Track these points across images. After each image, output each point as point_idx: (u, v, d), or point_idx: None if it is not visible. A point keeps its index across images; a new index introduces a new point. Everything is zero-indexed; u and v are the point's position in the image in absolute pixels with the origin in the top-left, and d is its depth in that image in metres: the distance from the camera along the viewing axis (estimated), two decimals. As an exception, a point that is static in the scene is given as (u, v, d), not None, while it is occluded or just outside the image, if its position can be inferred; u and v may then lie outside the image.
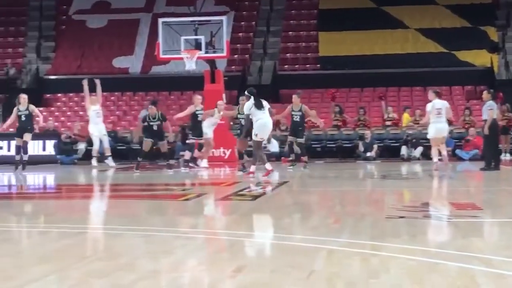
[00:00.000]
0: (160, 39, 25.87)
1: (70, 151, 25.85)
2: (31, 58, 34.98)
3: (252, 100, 16.84)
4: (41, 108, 31.65)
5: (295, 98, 20.25)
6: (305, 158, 20.10)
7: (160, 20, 26.30)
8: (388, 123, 27.47)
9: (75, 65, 34.41)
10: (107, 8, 36.42)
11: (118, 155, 26.40)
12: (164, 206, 11.68)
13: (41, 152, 25.77)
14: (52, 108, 32.03)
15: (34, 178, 19.58)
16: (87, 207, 11.62)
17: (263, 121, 16.78)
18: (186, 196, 12.88)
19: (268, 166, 16.62)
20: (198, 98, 21.32)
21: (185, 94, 31.18)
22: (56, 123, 28.87)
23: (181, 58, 25.68)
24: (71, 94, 32.81)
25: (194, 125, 21.03)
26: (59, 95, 33.10)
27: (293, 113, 20.10)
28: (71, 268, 5.91)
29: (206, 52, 25.45)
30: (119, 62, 34.21)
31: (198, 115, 20.85)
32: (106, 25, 35.88)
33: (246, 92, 17.24)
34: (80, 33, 35.64)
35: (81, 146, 26.39)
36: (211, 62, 26.36)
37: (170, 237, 8.06)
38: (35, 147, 25.72)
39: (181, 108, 27.65)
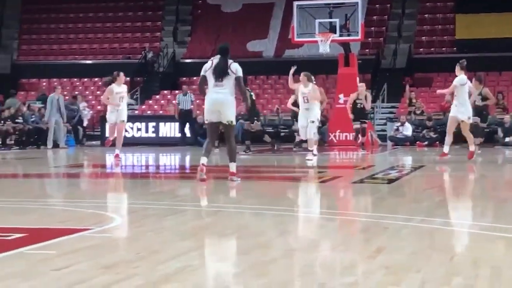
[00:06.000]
0: (295, 22, 25.93)
1: (206, 133, 26.16)
2: (168, 42, 35.68)
3: (216, 58, 11.95)
4: (176, 91, 32.44)
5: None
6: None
7: (295, 3, 26.32)
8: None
9: (210, 49, 34.82)
10: (242, -8, 36.75)
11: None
12: (300, 188, 11.73)
13: (177, 134, 26.25)
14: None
15: (171, 159, 19.99)
16: (224, 187, 11.75)
17: (209, 96, 12.05)
18: (322, 178, 12.87)
19: (202, 159, 11.81)
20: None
21: (318, 77, 31.11)
22: (191, 106, 29.30)
23: (315, 41, 25.66)
24: (206, 78, 33.22)
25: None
26: (194, 78, 33.63)
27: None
28: (212, 245, 5.99)
29: (341, 35, 25.33)
30: (253, 46, 34.49)
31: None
32: (240, 9, 36.22)
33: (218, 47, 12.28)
34: (215, 18, 36.15)
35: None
36: (345, 45, 26.22)
37: (308, 217, 8.09)
38: (170, 130, 26.32)
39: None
